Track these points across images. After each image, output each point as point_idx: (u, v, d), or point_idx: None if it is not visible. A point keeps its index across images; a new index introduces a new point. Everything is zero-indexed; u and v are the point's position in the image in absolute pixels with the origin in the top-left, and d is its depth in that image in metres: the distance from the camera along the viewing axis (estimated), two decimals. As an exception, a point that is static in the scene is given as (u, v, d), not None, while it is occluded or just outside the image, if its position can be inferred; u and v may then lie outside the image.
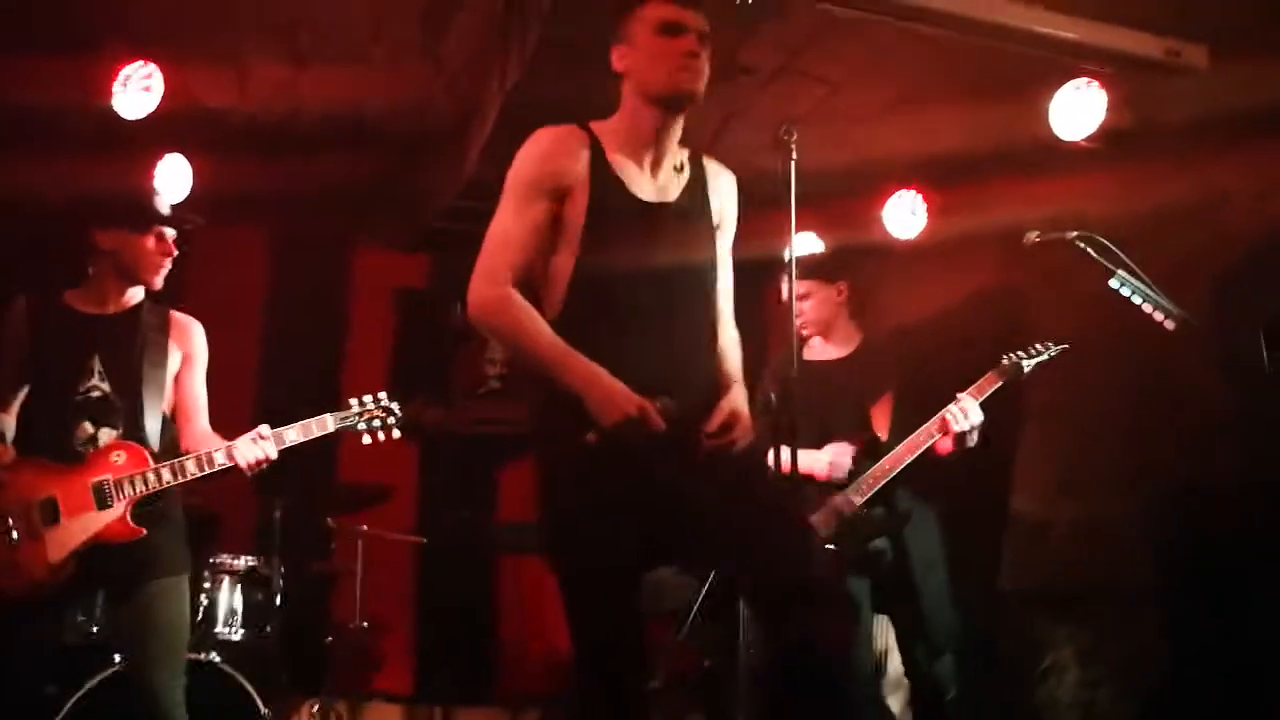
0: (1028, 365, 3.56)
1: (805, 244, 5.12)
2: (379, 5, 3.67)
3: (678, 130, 2.26)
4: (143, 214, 2.80)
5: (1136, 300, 3.11)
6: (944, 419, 3.41)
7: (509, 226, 2.15)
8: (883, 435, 3.55)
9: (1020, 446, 4.67)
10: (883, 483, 3.43)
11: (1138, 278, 3.11)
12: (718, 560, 2.20)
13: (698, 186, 2.30)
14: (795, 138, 2.40)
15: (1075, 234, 3.15)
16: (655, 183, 2.25)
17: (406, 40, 3.89)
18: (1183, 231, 3.89)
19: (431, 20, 3.78)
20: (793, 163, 2.41)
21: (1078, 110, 3.75)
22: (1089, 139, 3.77)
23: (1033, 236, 3.27)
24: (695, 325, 2.24)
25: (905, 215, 4.63)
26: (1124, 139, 3.79)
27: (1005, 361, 3.54)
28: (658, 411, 1.99)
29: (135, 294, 2.86)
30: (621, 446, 1.99)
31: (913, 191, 4.60)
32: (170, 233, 2.85)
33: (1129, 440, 4.17)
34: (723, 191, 2.34)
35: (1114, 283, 3.10)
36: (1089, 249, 3.12)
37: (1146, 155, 3.81)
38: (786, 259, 2.46)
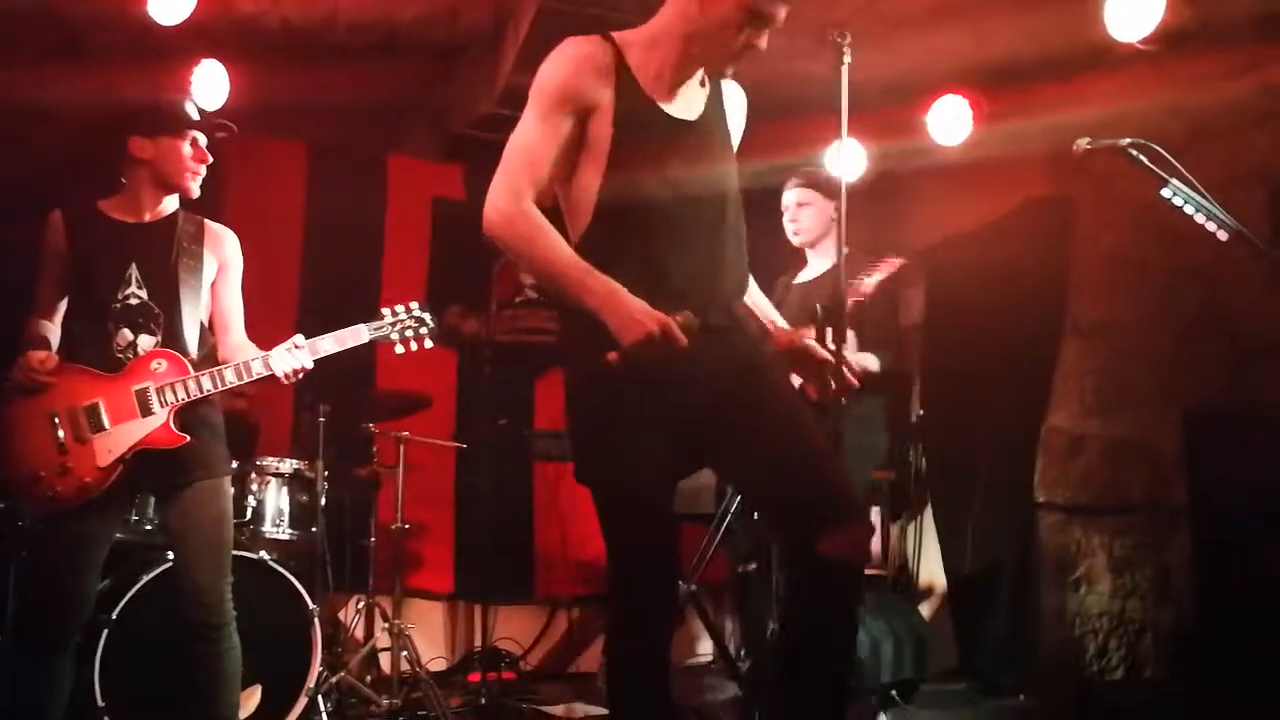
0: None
1: (844, 150, 5.02)
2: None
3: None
4: (177, 120, 2.80)
5: (1189, 210, 3.00)
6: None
7: (531, 140, 2.10)
8: None
9: (1059, 362, 4.62)
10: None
11: (1191, 187, 3.00)
12: (747, 467, 2.15)
13: (717, 101, 2.26)
14: (848, 40, 2.31)
15: (1128, 141, 3.04)
16: (681, 97, 2.20)
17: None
18: (1241, 138, 3.75)
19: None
20: (844, 67, 2.32)
21: (1134, 9, 3.59)
22: (1146, 40, 3.62)
23: (1083, 144, 3.14)
24: (724, 238, 2.20)
25: (950, 122, 4.50)
26: (1182, 39, 3.63)
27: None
28: (679, 326, 1.97)
29: (170, 203, 2.88)
30: (644, 364, 1.97)
31: (958, 97, 4.46)
32: (204, 139, 2.85)
33: (1172, 357, 4.10)
34: (736, 109, 2.31)
35: (1166, 192, 2.99)
36: (1141, 156, 3.01)
37: (1205, 57, 3.66)
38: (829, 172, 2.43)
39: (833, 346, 2.24)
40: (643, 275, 2.05)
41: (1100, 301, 4.49)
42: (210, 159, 2.86)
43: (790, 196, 3.84)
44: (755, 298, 2.36)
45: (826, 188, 3.76)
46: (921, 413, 5.18)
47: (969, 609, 4.82)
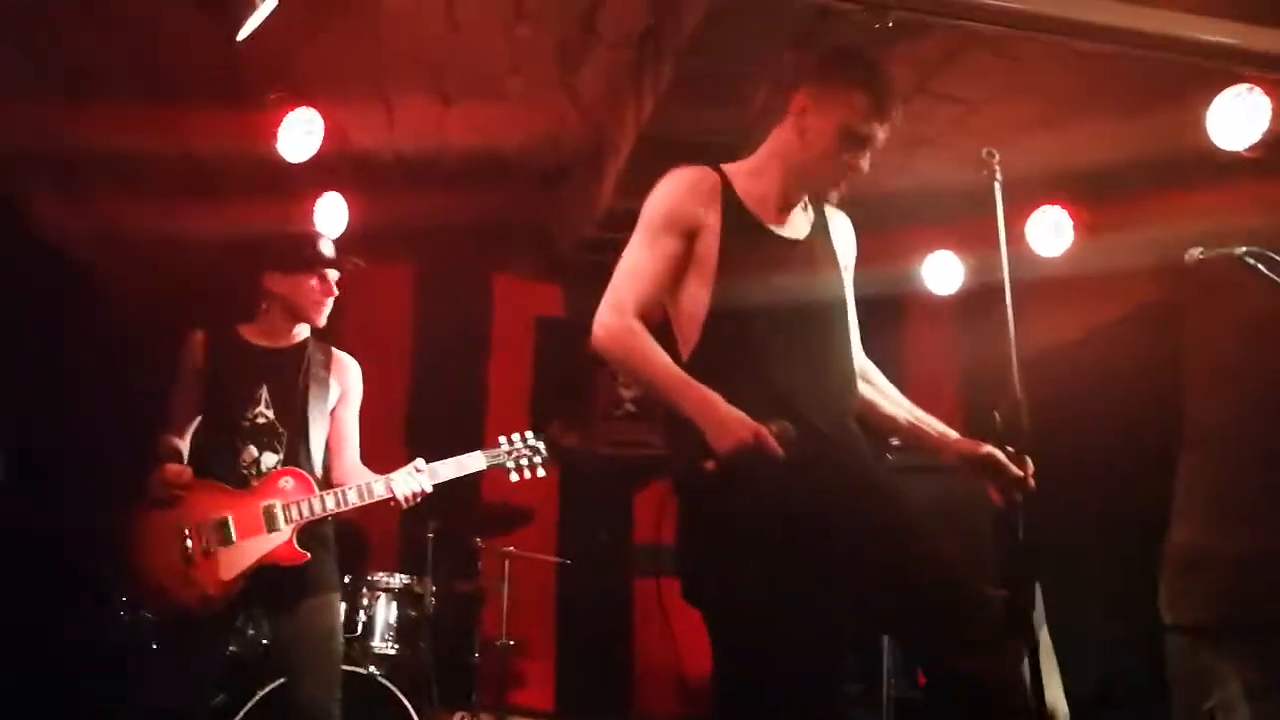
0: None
1: (942, 264, 5.03)
2: (517, 42, 3.79)
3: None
4: (305, 259, 2.99)
5: (1308, 319, 2.92)
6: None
7: (638, 259, 2.18)
8: None
9: (1177, 474, 4.44)
10: None
11: (1312, 294, 2.91)
12: (866, 597, 2.09)
13: (821, 226, 2.34)
14: (998, 158, 2.38)
15: (1244, 249, 2.98)
16: (787, 218, 2.28)
17: (543, 75, 4.01)
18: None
19: (567, 55, 3.89)
20: (997, 183, 2.38)
21: (1238, 118, 3.55)
22: (1251, 148, 3.57)
23: (1195, 253, 3.09)
24: (833, 353, 2.24)
25: (1049, 232, 4.48)
26: (1289, 148, 3.58)
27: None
28: (774, 436, 1.96)
29: (302, 330, 3.06)
30: (740, 472, 1.97)
31: (1057, 207, 4.45)
32: (332, 274, 3.02)
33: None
34: (843, 234, 2.38)
35: (1286, 299, 2.92)
36: (1259, 264, 2.95)
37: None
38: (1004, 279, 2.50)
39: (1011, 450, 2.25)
40: (751, 388, 2.07)
41: (1216, 410, 4.33)
42: (336, 292, 3.03)
43: None
44: (918, 413, 2.37)
45: None
46: (1030, 534, 5.01)
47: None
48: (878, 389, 2.39)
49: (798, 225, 2.29)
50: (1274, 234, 3.30)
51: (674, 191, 2.21)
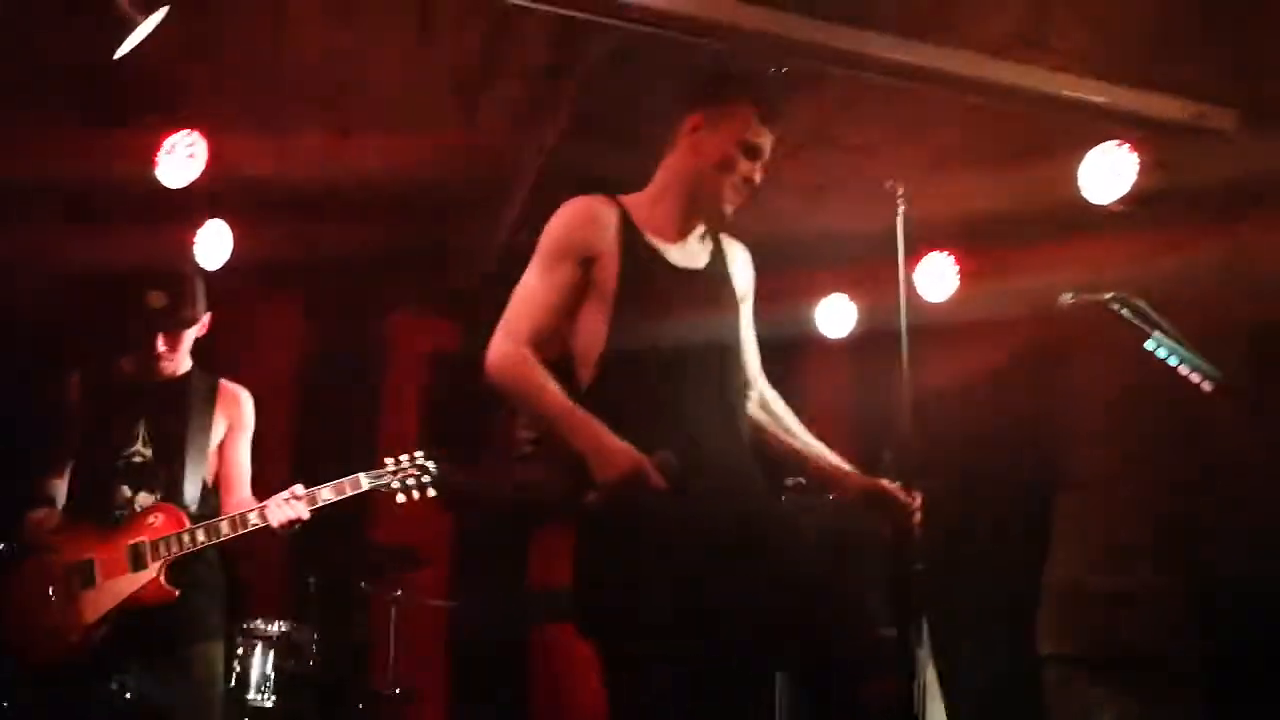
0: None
1: (836, 307, 5.15)
2: (416, 73, 3.75)
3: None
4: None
5: (1172, 362, 3.07)
6: None
7: (534, 287, 2.17)
8: None
9: (1057, 515, 4.61)
10: None
11: (1173, 339, 3.07)
12: (764, 636, 2.08)
13: (719, 257, 2.36)
14: (901, 191, 2.50)
15: (1110, 295, 3.13)
16: (685, 249, 2.30)
17: (442, 107, 3.98)
18: (1215, 291, 3.86)
19: (468, 87, 3.86)
20: (899, 216, 2.51)
21: (1108, 173, 3.76)
22: (1120, 201, 3.78)
23: (1067, 298, 3.24)
24: (725, 387, 2.24)
25: (936, 278, 4.63)
26: (1155, 200, 3.79)
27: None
28: (657, 466, 1.96)
29: (185, 361, 2.91)
30: (629, 503, 1.96)
31: (944, 254, 4.61)
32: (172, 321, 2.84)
33: (1169, 507, 4.10)
34: (740, 264, 2.41)
35: (1150, 344, 3.07)
36: (1125, 310, 3.10)
37: (1177, 216, 3.81)
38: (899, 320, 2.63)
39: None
40: (649, 420, 2.07)
41: (1093, 454, 4.52)
42: (191, 341, 2.88)
43: None
44: (816, 446, 2.38)
45: None
46: (920, 568, 5.12)
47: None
48: (778, 420, 2.40)
49: (695, 255, 2.31)
50: (1141, 282, 3.49)
51: (571, 220, 2.21)
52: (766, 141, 2.27)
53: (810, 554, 2.17)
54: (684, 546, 2.02)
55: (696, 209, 2.29)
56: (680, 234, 2.28)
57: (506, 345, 2.12)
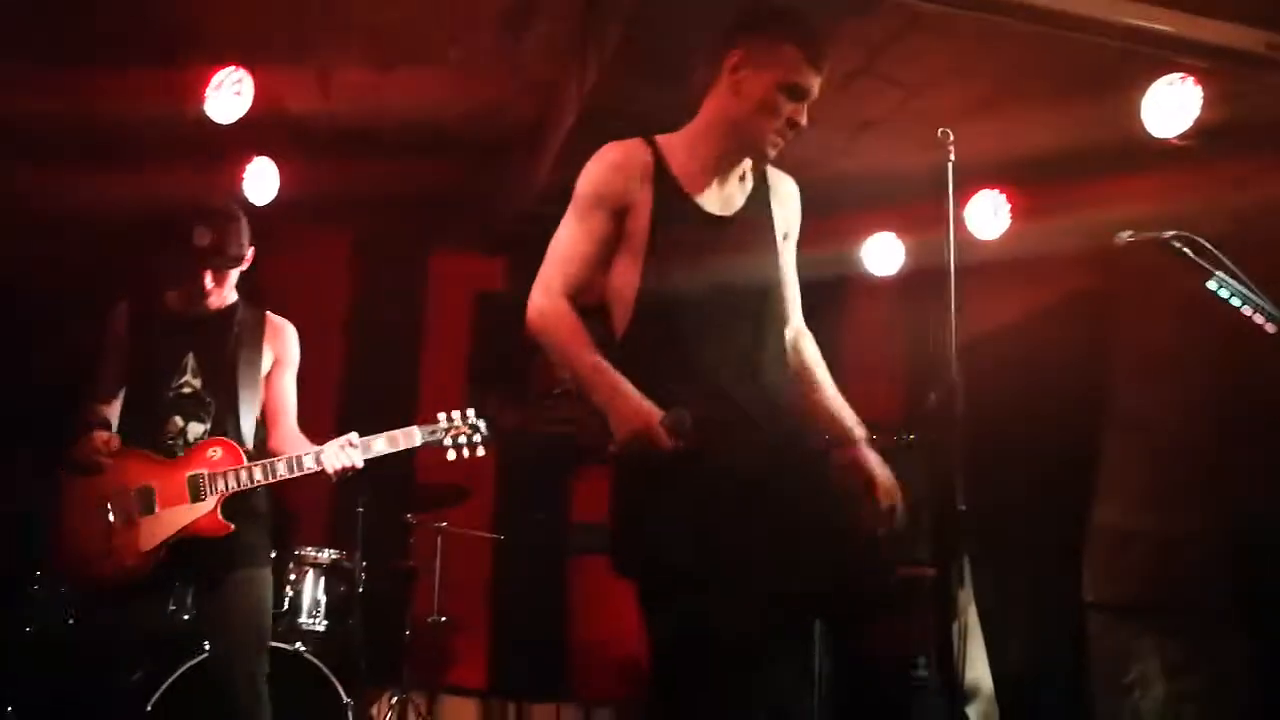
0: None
1: (883, 245, 5.07)
2: (458, 8, 3.71)
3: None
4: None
5: (1235, 302, 2.97)
6: None
7: (568, 238, 2.18)
8: None
9: (1103, 457, 4.54)
10: None
11: (1237, 279, 2.97)
12: (790, 577, 2.08)
13: (761, 196, 2.29)
14: (951, 138, 2.49)
15: (1171, 234, 3.03)
16: (720, 194, 2.24)
17: (485, 44, 3.94)
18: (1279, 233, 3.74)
19: (510, 23, 3.82)
20: (950, 163, 2.50)
21: (1171, 107, 3.63)
22: (1183, 136, 3.65)
23: (1124, 236, 3.13)
24: (764, 332, 2.22)
25: (988, 216, 4.53)
26: (1219, 135, 3.66)
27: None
28: (668, 424, 1.99)
29: (230, 294, 2.95)
30: (635, 459, 2.01)
31: (995, 191, 4.51)
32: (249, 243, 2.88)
33: (1217, 452, 4.02)
34: (786, 200, 2.33)
35: (1212, 284, 2.95)
36: (1186, 249, 2.99)
37: (1242, 152, 3.68)
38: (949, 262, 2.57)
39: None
40: (681, 370, 2.08)
41: (1142, 397, 4.44)
42: (230, 280, 2.90)
43: None
44: (832, 405, 2.31)
45: None
46: (964, 508, 5.10)
47: (1019, 713, 4.65)
48: (805, 369, 2.35)
49: (732, 199, 2.25)
50: (1202, 221, 3.38)
51: (604, 169, 2.18)
52: (813, 83, 2.17)
53: (838, 502, 2.16)
54: (708, 497, 2.03)
55: (736, 151, 2.23)
56: (718, 177, 2.23)
57: (541, 300, 2.15)
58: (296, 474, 2.80)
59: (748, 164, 2.28)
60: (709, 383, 2.09)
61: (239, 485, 2.76)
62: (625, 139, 2.22)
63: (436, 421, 2.98)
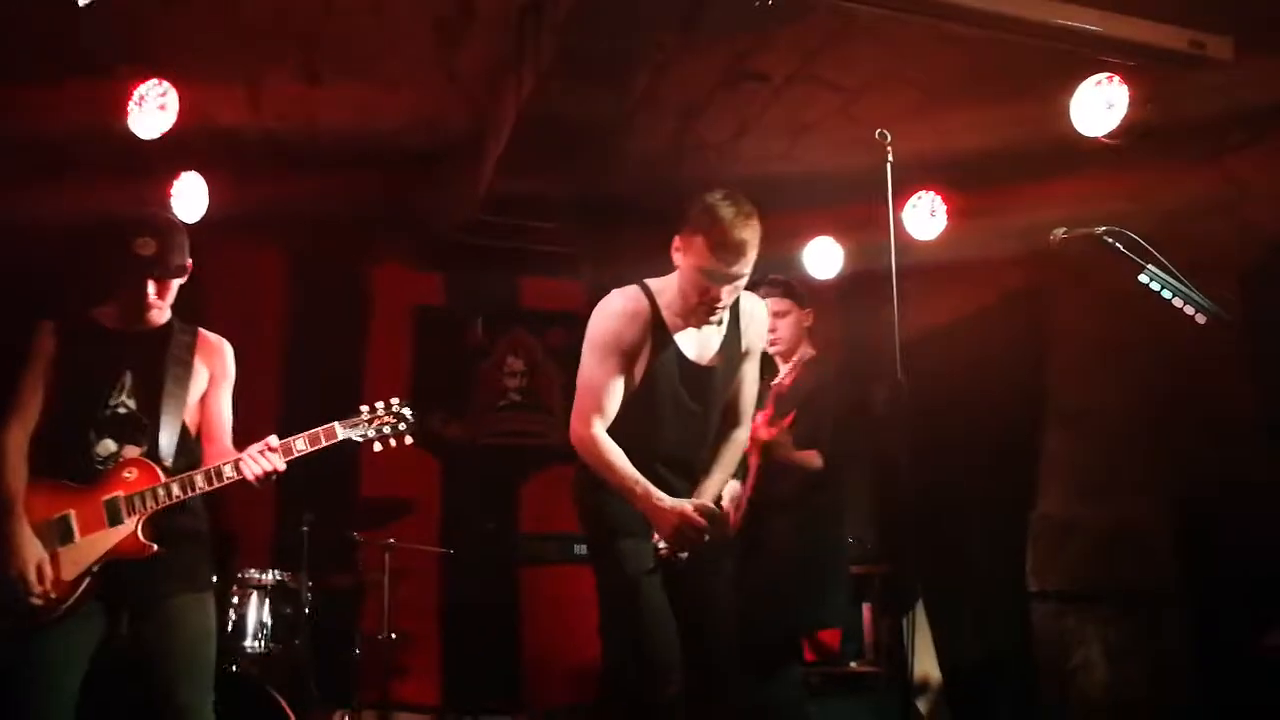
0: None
1: (823, 249, 5.11)
2: (391, 19, 3.67)
3: None
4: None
5: (1167, 295, 3.04)
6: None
7: (593, 378, 2.72)
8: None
9: (1044, 450, 4.63)
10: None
11: (1168, 272, 3.04)
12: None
13: (734, 327, 2.79)
14: (889, 140, 2.71)
15: (1103, 229, 3.09)
16: (699, 335, 2.76)
17: (420, 54, 3.89)
18: (1206, 228, 3.84)
19: (445, 33, 3.78)
20: (888, 164, 2.72)
21: (1099, 106, 3.70)
22: (1111, 135, 3.72)
23: (1059, 233, 3.19)
24: (707, 429, 2.81)
25: (924, 217, 4.59)
26: (1147, 134, 3.74)
27: None
28: (698, 511, 2.60)
29: (167, 310, 2.86)
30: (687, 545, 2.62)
31: (931, 193, 4.57)
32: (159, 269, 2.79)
33: (1154, 442, 4.12)
34: (752, 320, 2.83)
35: (1144, 277, 3.02)
36: (1118, 244, 3.06)
37: (1169, 150, 3.77)
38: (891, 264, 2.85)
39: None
40: (648, 453, 2.73)
41: (1080, 389, 4.53)
42: (175, 290, 2.81)
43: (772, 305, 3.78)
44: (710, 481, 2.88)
45: (800, 296, 3.77)
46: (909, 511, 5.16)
47: (967, 702, 4.72)
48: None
49: (710, 342, 2.77)
50: (1131, 217, 3.45)
51: (619, 319, 2.72)
52: (724, 269, 2.60)
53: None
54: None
55: (698, 306, 2.70)
56: (693, 321, 2.73)
57: (582, 429, 2.71)
58: (216, 485, 2.69)
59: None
60: (665, 461, 2.74)
61: (157, 503, 2.66)
62: (625, 286, 2.76)
63: (359, 414, 2.80)
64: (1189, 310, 3.01)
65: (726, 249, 2.57)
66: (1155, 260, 3.02)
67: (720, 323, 2.76)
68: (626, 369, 2.73)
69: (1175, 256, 3.10)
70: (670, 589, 2.68)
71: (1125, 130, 3.67)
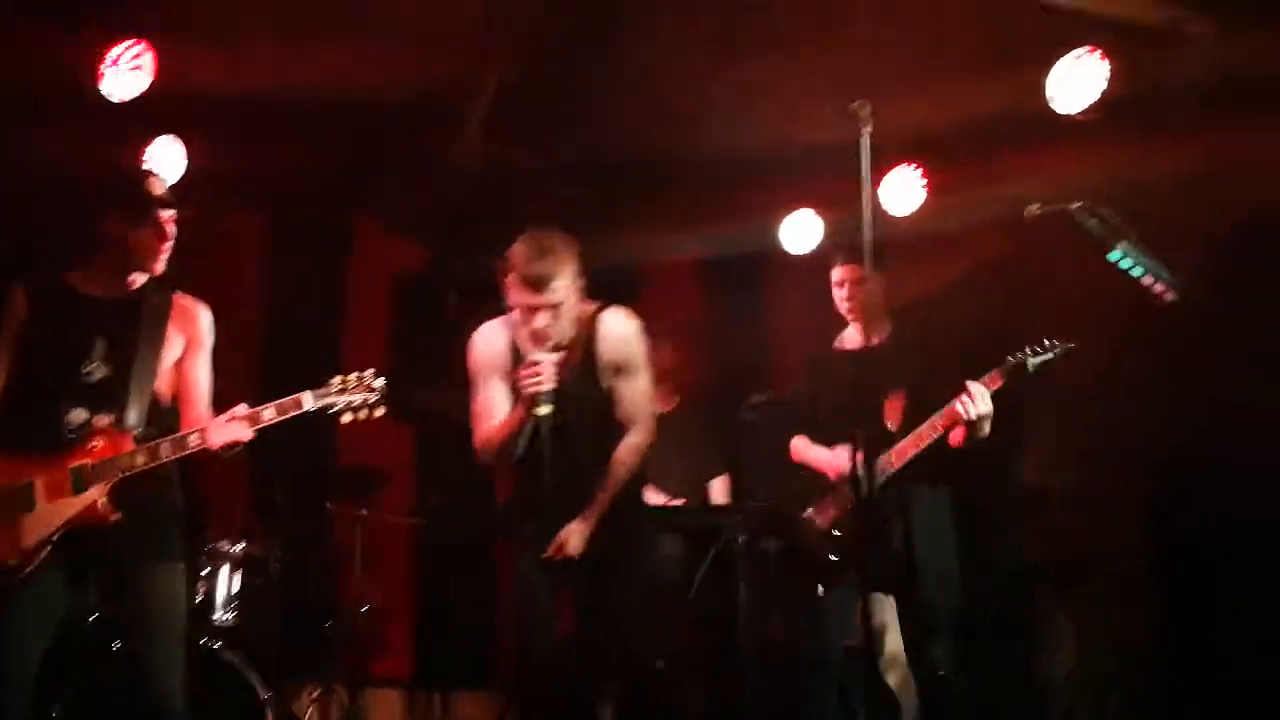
0: (1033, 364, 3.45)
1: (801, 221, 5.10)
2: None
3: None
4: (135, 202, 2.74)
5: (1136, 272, 3.07)
6: (953, 410, 3.36)
7: (477, 402, 3.19)
8: (893, 427, 3.52)
9: (1023, 424, 4.65)
10: (887, 475, 3.40)
11: (1138, 250, 3.07)
12: None
13: (589, 351, 3.11)
14: (868, 109, 2.65)
15: (1077, 205, 3.11)
16: (552, 357, 3.03)
17: (402, 13, 3.83)
18: (1184, 204, 3.86)
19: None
20: (865, 135, 2.65)
21: (1077, 81, 3.71)
22: (1088, 111, 3.73)
23: (1034, 209, 3.21)
24: (591, 458, 3.14)
25: (903, 191, 4.59)
26: (1124, 110, 3.76)
27: (1011, 360, 3.45)
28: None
29: (139, 276, 2.81)
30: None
31: (911, 167, 4.57)
32: (169, 213, 2.79)
33: (1126, 413, 4.16)
34: (606, 339, 3.13)
35: (1114, 255, 3.06)
36: (1091, 221, 3.08)
37: (1147, 126, 3.78)
38: (851, 241, 2.87)
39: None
40: (529, 485, 3.18)
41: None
42: (172, 238, 2.79)
43: (848, 272, 3.74)
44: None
45: (881, 259, 3.71)
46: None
47: (934, 675, 4.76)
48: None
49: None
50: (1108, 192, 3.47)
51: (478, 348, 3.21)
52: (532, 299, 2.99)
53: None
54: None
55: (530, 338, 3.05)
56: (535, 347, 3.03)
57: (476, 443, 3.22)
58: (182, 453, 2.66)
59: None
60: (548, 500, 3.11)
61: (123, 471, 2.62)
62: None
63: (329, 385, 2.75)
64: (1159, 288, 3.04)
65: (528, 283, 2.98)
66: (1127, 237, 3.05)
67: (557, 349, 3.05)
68: (503, 386, 3.17)
69: (1155, 230, 3.13)
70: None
71: (1103, 105, 3.68)
